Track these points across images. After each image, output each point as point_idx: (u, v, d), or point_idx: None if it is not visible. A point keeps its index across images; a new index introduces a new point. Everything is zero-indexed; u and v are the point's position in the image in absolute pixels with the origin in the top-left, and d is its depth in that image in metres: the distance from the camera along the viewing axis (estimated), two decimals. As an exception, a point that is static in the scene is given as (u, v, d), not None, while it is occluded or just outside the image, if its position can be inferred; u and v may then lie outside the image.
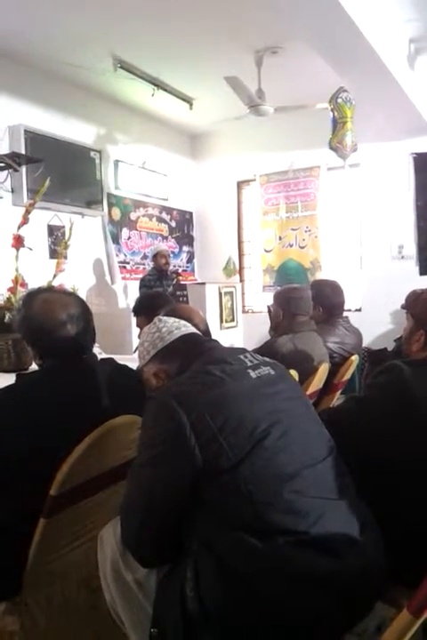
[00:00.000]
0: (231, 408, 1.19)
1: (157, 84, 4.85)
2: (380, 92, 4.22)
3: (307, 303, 2.74)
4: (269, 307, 2.87)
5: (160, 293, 3.32)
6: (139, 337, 1.54)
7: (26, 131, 4.33)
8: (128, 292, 5.53)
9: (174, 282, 4.93)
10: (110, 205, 5.41)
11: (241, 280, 6.34)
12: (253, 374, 1.30)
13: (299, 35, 3.60)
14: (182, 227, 6.47)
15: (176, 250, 6.33)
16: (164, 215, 6.16)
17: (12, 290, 2.60)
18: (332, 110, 4.33)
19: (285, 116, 4.97)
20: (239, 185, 6.42)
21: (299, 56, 4.26)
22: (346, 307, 3.16)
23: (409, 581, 1.08)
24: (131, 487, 1.24)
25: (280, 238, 6.04)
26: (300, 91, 4.81)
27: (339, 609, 1.09)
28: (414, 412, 1.36)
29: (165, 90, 4.96)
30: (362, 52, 3.50)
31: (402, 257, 5.39)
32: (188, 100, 5.28)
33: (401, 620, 0.93)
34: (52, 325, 1.49)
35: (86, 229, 4.93)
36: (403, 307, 1.72)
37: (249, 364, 1.33)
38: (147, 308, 2.60)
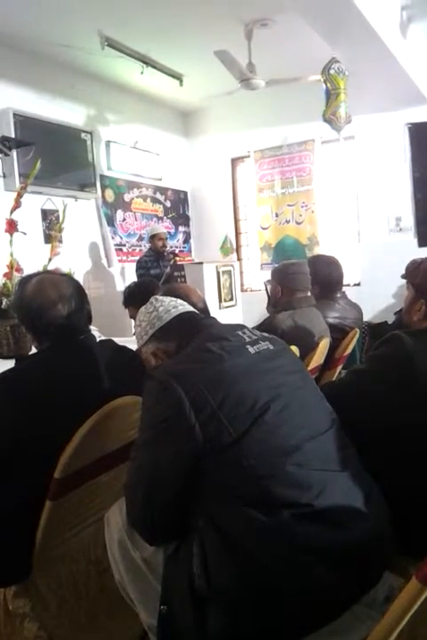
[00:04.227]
0: (230, 384, 1.18)
1: (146, 61, 4.77)
2: (373, 62, 4.14)
3: (305, 278, 2.71)
4: (266, 283, 2.84)
5: (148, 281, 3.34)
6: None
7: (15, 114, 4.27)
8: (125, 275, 5.51)
9: (172, 262, 4.90)
10: (103, 187, 5.35)
11: (239, 259, 6.29)
12: (251, 350, 1.29)
13: (289, 5, 3.52)
14: (177, 207, 6.41)
15: (172, 230, 6.28)
16: (158, 195, 6.10)
17: (8, 275, 2.58)
18: (324, 82, 4.26)
19: (277, 89, 4.89)
20: (233, 162, 6.36)
21: (289, 27, 4.18)
22: (345, 281, 3.13)
23: (418, 551, 1.09)
24: (133, 467, 1.24)
25: (277, 215, 5.99)
26: (291, 63, 4.72)
27: (346, 580, 1.09)
28: (415, 382, 1.35)
29: (155, 67, 4.88)
30: (353, 20, 3.43)
31: (400, 229, 5.35)
32: (178, 77, 5.20)
33: (410, 589, 0.92)
34: (42, 305, 1.48)
35: (81, 212, 4.89)
36: (403, 276, 1.71)
37: (247, 339, 1.33)
38: (137, 298, 2.61)
